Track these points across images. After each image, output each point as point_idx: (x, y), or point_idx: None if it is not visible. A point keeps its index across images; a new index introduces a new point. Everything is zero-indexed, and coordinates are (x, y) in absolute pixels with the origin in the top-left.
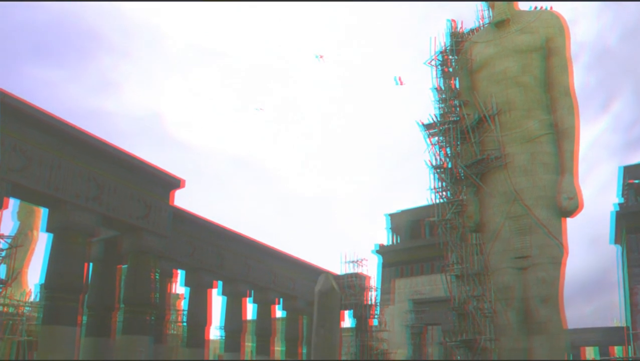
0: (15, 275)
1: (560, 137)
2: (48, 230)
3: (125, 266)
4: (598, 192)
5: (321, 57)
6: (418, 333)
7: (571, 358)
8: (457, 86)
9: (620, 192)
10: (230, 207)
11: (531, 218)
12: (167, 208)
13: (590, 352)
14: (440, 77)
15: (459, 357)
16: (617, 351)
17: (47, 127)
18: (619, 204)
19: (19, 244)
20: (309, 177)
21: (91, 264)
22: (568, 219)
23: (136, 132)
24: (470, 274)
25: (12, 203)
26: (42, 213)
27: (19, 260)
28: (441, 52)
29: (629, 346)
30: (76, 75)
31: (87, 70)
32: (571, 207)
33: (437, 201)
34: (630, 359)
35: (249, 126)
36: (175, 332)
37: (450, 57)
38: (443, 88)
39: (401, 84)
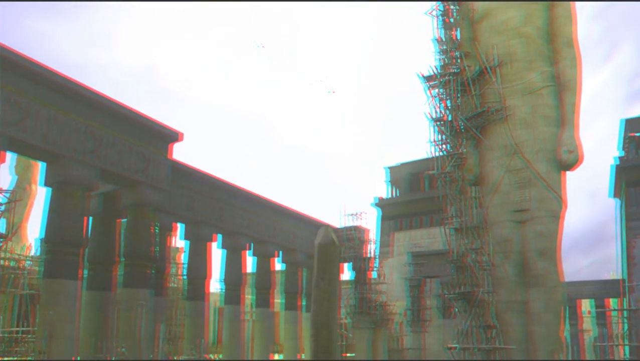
0: (15, 230)
1: (562, 89)
2: (46, 184)
3: (125, 220)
4: (599, 145)
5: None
6: (416, 286)
7: (567, 311)
8: (458, 37)
9: (621, 145)
10: (230, 161)
11: (530, 172)
12: (166, 161)
13: (586, 304)
14: (441, 28)
15: (456, 309)
16: (612, 303)
17: (43, 80)
18: (619, 157)
19: (18, 198)
20: (309, 131)
21: (90, 218)
22: (568, 172)
23: (133, 84)
24: (469, 227)
25: (9, 157)
26: (39, 167)
27: (18, 215)
28: (442, 2)
29: (624, 299)
30: (72, 26)
31: (82, 22)
32: (571, 160)
33: (437, 154)
34: (625, 310)
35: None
36: (175, 285)
37: (452, 6)
38: (444, 39)
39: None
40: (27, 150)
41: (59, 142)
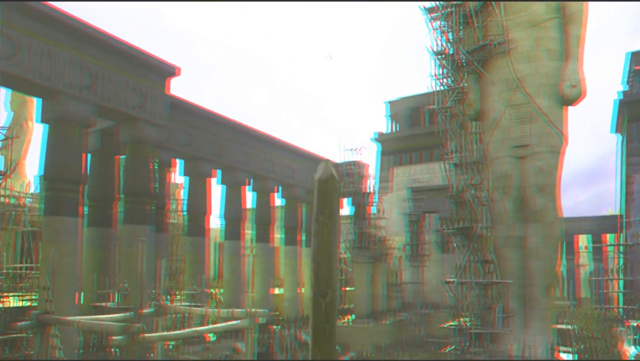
0: (13, 167)
1: (566, 21)
2: (43, 120)
3: (124, 156)
4: (602, 79)
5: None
6: (416, 221)
7: (564, 246)
8: None
9: (626, 79)
10: (228, 97)
11: (532, 107)
12: (164, 97)
13: (583, 240)
14: None
15: (455, 244)
16: (609, 238)
17: (36, 13)
18: (623, 92)
19: (15, 135)
20: (309, 66)
21: (89, 155)
22: (570, 107)
23: (129, 19)
24: (468, 162)
25: (4, 93)
26: (35, 103)
27: (16, 152)
28: None
29: (621, 234)
30: None
31: None
32: (574, 95)
33: (438, 88)
34: (622, 246)
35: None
36: (175, 221)
37: None
38: None
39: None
40: (21, 85)
41: (53, 77)
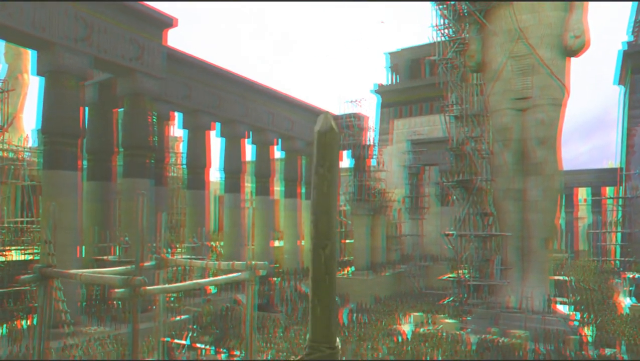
0: (10, 120)
1: None
2: (39, 73)
3: (122, 109)
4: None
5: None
6: (415, 174)
7: (564, 198)
8: None
9: (631, 29)
10: (227, 49)
11: (534, 58)
12: (161, 48)
13: (582, 193)
14: None
15: (454, 197)
16: (608, 191)
17: None
18: (628, 42)
19: (11, 88)
20: (308, 16)
21: (87, 108)
22: (573, 59)
23: None
24: (469, 115)
25: None
26: (30, 55)
27: (12, 105)
28: None
29: (620, 187)
30: None
31: None
32: (577, 46)
33: (439, 39)
34: (621, 198)
35: None
36: (175, 175)
37: None
38: None
39: None
40: (14, 36)
41: (48, 28)
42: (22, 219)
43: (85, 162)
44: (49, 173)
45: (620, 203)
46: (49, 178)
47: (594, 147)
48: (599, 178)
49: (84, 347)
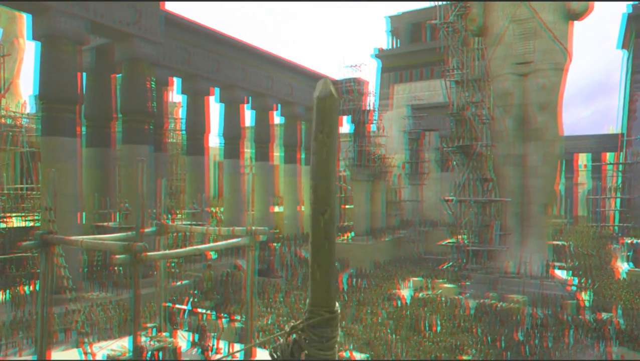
0: (7, 86)
1: None
2: (34, 37)
3: (120, 75)
4: None
5: None
6: (415, 139)
7: (564, 164)
8: None
9: None
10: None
11: (537, 22)
12: (158, 12)
13: (583, 158)
14: None
15: (454, 162)
16: (609, 157)
17: None
18: (633, 5)
19: (7, 53)
20: None
21: (84, 74)
22: (575, 22)
23: None
24: (470, 80)
25: None
26: (25, 19)
27: (8, 70)
28: None
29: (621, 153)
30: None
31: None
32: (580, 9)
33: (440, 3)
34: (621, 164)
35: None
36: (174, 141)
37: None
38: None
39: None
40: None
41: None
42: (21, 186)
43: (83, 129)
44: (47, 139)
45: (620, 169)
46: (48, 145)
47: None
48: (599, 144)
49: (86, 313)
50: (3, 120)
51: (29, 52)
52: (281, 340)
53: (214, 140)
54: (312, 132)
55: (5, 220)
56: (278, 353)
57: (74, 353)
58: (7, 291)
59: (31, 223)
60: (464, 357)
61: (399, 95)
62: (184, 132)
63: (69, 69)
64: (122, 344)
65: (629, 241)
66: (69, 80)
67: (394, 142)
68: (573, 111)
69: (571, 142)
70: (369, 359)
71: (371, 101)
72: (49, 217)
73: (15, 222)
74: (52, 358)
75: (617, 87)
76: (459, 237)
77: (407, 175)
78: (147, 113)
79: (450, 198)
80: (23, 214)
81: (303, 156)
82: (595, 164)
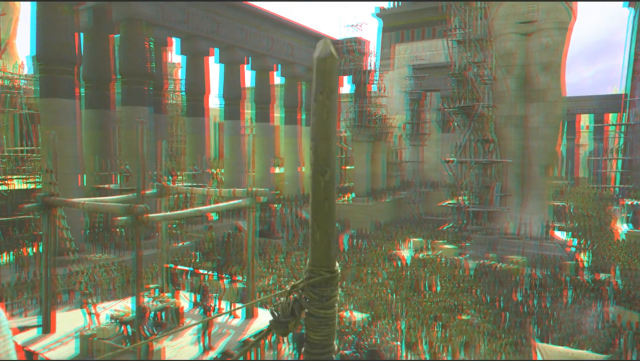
0: (3, 46)
1: None
2: None
3: (118, 35)
4: None
5: None
6: (416, 99)
7: (565, 125)
8: None
9: None
10: None
11: None
12: None
13: (585, 119)
14: None
15: (455, 123)
16: (611, 118)
17: None
18: None
19: (2, 12)
20: None
21: (82, 35)
22: None
23: None
24: (472, 39)
25: None
26: None
27: (4, 31)
28: None
29: (624, 114)
30: None
31: None
32: None
33: None
34: (623, 125)
35: None
36: (174, 102)
37: None
38: None
39: None
40: None
41: None
42: (21, 148)
43: (82, 90)
44: (46, 101)
45: (622, 130)
46: (47, 107)
47: (598, 71)
48: (602, 105)
49: (89, 274)
50: (0, 82)
51: (25, 11)
52: (282, 299)
53: (214, 101)
54: (312, 93)
55: (6, 182)
56: (279, 312)
57: (78, 313)
58: (11, 253)
59: (32, 186)
60: (463, 317)
61: (400, 55)
62: (183, 93)
63: (66, 29)
64: (126, 304)
65: (629, 202)
66: (66, 40)
67: (395, 103)
68: (575, 71)
69: (574, 103)
70: (369, 318)
71: (372, 61)
72: (50, 179)
73: (17, 184)
74: (56, 318)
75: (621, 46)
76: (460, 198)
77: (407, 136)
78: (147, 75)
79: (451, 159)
80: (24, 176)
81: (304, 117)
82: (597, 125)
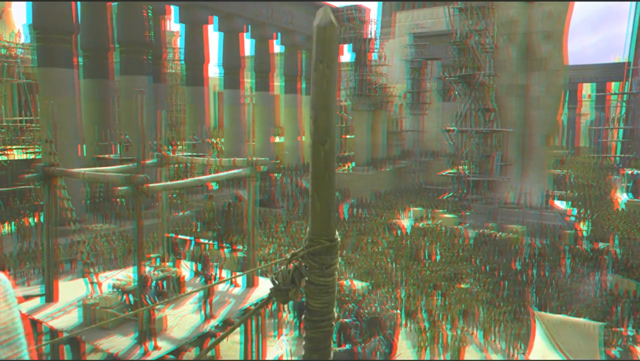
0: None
1: None
2: None
3: (115, 3)
4: None
5: None
6: (417, 68)
7: (567, 95)
8: None
9: None
10: None
11: None
12: None
13: (587, 88)
14: None
15: (456, 92)
16: (614, 87)
17: None
18: None
19: None
20: None
21: (79, 3)
22: None
23: None
24: (474, 7)
25: None
26: None
27: None
28: None
29: (627, 82)
30: None
31: None
32: None
33: None
34: (626, 94)
35: None
36: (173, 71)
37: None
38: None
39: None
40: None
41: None
42: (20, 118)
43: (80, 60)
44: (44, 70)
45: (624, 99)
46: (45, 76)
47: (601, 39)
48: (604, 74)
49: (90, 243)
50: None
51: None
52: (282, 267)
53: (214, 70)
54: (312, 62)
55: (6, 152)
56: (279, 280)
57: (80, 282)
58: (12, 223)
59: (32, 156)
60: (463, 285)
61: (401, 23)
62: (182, 62)
63: None
64: (127, 274)
65: (629, 172)
66: (64, 8)
67: (395, 71)
68: (578, 39)
69: (576, 72)
70: (369, 287)
71: (372, 29)
72: (49, 150)
73: (16, 154)
74: (59, 288)
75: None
76: (460, 167)
77: (408, 104)
78: (145, 43)
79: (452, 128)
80: (23, 146)
81: (304, 86)
82: (599, 94)
